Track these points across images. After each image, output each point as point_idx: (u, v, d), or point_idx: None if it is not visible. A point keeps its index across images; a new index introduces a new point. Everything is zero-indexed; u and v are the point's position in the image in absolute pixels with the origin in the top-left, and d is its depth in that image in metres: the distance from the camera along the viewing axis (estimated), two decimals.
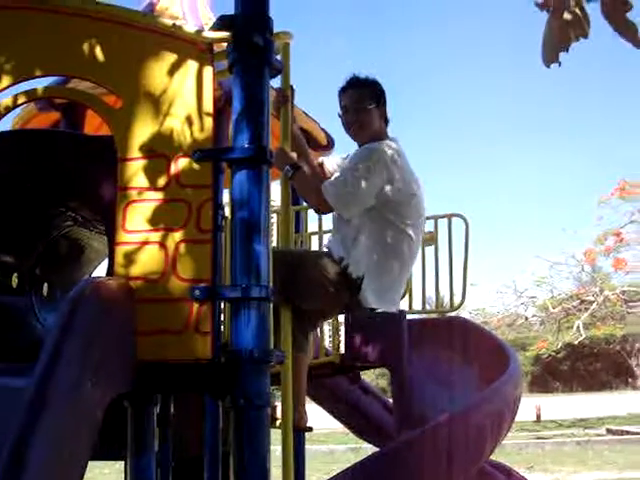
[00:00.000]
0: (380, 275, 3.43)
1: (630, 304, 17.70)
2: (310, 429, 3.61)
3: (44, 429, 1.82)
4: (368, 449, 3.91)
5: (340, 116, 3.64)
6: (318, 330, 3.98)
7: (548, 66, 1.79)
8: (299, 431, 3.56)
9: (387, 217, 3.43)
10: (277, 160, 2.97)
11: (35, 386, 1.88)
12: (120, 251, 2.39)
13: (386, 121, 3.65)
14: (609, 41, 1.82)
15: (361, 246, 3.42)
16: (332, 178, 3.49)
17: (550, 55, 1.79)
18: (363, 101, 3.56)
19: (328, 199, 3.38)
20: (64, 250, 3.78)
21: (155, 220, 2.38)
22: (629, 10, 1.75)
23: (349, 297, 3.42)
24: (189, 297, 2.31)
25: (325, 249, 3.78)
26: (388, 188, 3.39)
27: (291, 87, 3.05)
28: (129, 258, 2.37)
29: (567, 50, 1.77)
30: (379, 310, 3.48)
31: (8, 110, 2.59)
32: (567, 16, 1.71)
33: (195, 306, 2.31)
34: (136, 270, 2.37)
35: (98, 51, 2.48)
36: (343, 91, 3.62)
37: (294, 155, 3.33)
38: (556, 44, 1.74)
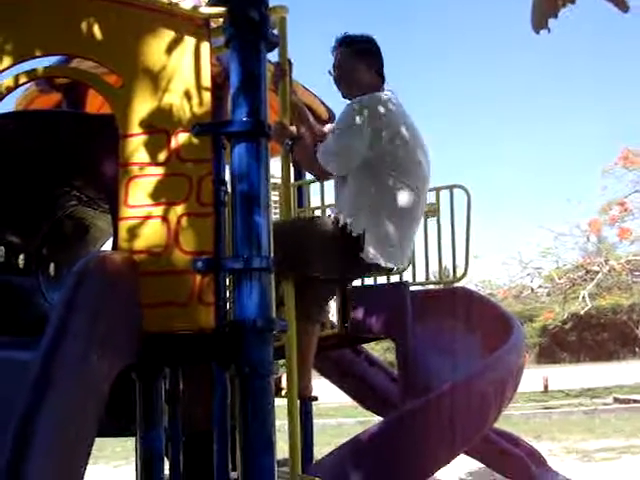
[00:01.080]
0: (380, 230, 3.38)
1: (636, 273, 17.71)
2: (315, 398, 3.66)
3: (50, 404, 1.85)
4: (377, 421, 3.96)
5: (330, 74, 3.65)
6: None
7: (538, 32, 1.82)
8: (304, 400, 3.60)
9: (386, 173, 3.39)
10: (276, 134, 2.99)
11: (41, 359, 1.91)
12: (123, 226, 2.44)
13: (381, 76, 3.63)
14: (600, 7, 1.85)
15: (359, 203, 3.39)
16: None
17: (539, 21, 1.81)
18: (350, 57, 3.57)
19: (320, 161, 3.40)
20: (69, 230, 3.83)
21: (157, 195, 2.43)
22: None
23: (353, 257, 3.38)
24: (192, 269, 2.35)
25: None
26: (384, 140, 3.35)
27: (289, 60, 3.06)
28: (132, 232, 2.42)
29: (556, 16, 1.79)
30: (383, 265, 3.42)
31: (10, 90, 2.62)
32: None
33: (198, 278, 2.36)
34: (139, 244, 2.41)
35: (96, 30, 2.50)
36: (333, 50, 3.63)
37: (293, 128, 3.34)
38: (544, 11, 1.77)
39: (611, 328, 31.55)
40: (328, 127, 3.84)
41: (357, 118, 3.32)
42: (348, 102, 3.48)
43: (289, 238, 3.16)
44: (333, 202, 3.90)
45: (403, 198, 3.43)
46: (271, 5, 2.56)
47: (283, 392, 3.13)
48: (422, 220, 3.94)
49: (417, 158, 3.47)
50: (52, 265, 3.75)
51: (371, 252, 3.35)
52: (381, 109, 3.36)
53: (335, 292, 3.89)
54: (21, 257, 3.64)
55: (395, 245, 3.44)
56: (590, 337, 32.65)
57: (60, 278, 3.68)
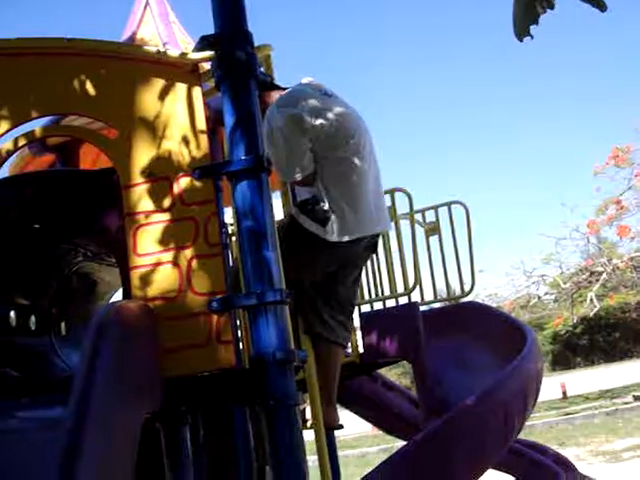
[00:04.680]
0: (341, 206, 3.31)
1: (639, 269, 17.71)
2: (341, 426, 3.64)
3: (85, 461, 1.87)
4: (400, 446, 3.93)
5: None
6: None
7: (521, 40, 1.86)
8: (329, 429, 3.58)
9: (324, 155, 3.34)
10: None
11: (72, 416, 1.93)
12: (135, 275, 2.47)
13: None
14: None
15: (315, 190, 3.34)
16: None
17: (521, 29, 1.86)
18: None
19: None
20: (77, 286, 3.85)
21: (165, 241, 2.46)
22: None
23: (316, 245, 3.31)
24: (207, 310, 2.37)
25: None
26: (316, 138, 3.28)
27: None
28: (145, 280, 2.44)
29: (537, 23, 1.84)
30: (347, 239, 3.34)
31: (10, 154, 2.67)
32: None
33: (214, 317, 2.39)
34: (153, 291, 2.44)
35: (88, 86, 2.56)
36: None
37: None
38: (525, 18, 1.81)
39: (622, 327, 31.44)
40: None
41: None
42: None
43: None
44: None
45: (345, 170, 3.38)
46: (256, 44, 2.61)
47: (308, 423, 3.12)
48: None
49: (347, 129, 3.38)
50: (63, 324, 3.77)
51: (335, 231, 3.28)
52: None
53: (327, 296, 3.74)
54: (32, 319, 3.66)
55: (355, 216, 3.37)
56: (602, 339, 32.55)
57: (72, 336, 3.70)
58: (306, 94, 3.36)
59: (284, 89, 3.45)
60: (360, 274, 3.85)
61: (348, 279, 3.69)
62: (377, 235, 3.65)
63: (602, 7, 1.78)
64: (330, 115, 3.35)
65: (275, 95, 3.41)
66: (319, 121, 3.28)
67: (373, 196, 3.49)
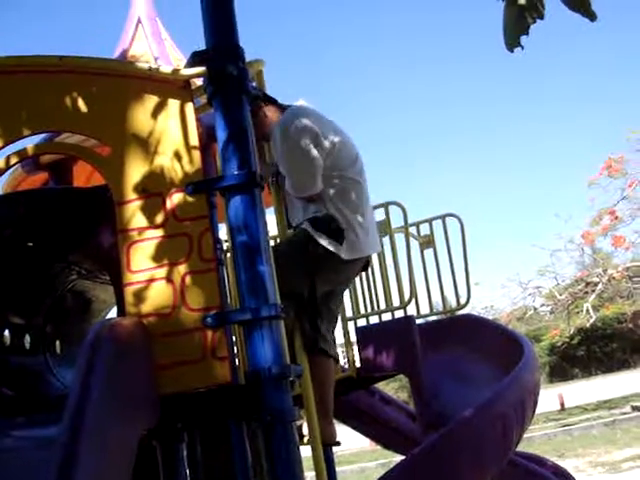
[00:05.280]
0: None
1: (635, 279, 17.72)
2: (338, 443, 3.63)
3: (81, 474, 1.86)
4: (398, 461, 3.91)
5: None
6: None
7: (511, 51, 1.87)
8: (327, 445, 3.57)
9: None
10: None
11: (65, 434, 1.92)
12: (129, 291, 2.46)
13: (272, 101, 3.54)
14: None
15: (322, 207, 3.40)
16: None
17: (512, 40, 1.87)
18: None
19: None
20: (71, 304, 3.83)
21: (158, 257, 2.45)
22: None
23: (340, 262, 3.37)
24: (202, 326, 2.36)
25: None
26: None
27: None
28: (138, 297, 2.43)
29: (527, 33, 1.85)
30: (357, 257, 3.42)
31: (2, 172, 2.67)
32: (522, 1, 1.79)
33: (209, 333, 2.37)
34: (147, 308, 2.43)
35: (80, 103, 2.55)
36: None
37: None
38: (516, 29, 1.82)
39: (618, 337, 31.41)
40: None
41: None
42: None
43: None
44: None
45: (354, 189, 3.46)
46: (248, 59, 2.61)
47: (305, 439, 3.10)
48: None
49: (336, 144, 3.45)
50: (57, 342, 3.75)
51: (346, 248, 3.34)
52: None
53: (324, 311, 3.73)
54: (27, 338, 3.64)
55: (364, 235, 3.45)
56: (599, 349, 32.47)
57: (67, 354, 3.68)
58: (315, 113, 3.43)
59: (280, 104, 3.48)
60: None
61: (340, 296, 3.74)
62: (370, 255, 3.73)
63: (592, 17, 1.79)
64: (338, 135, 3.44)
65: (273, 109, 3.45)
66: (331, 138, 3.38)
67: (370, 217, 3.59)
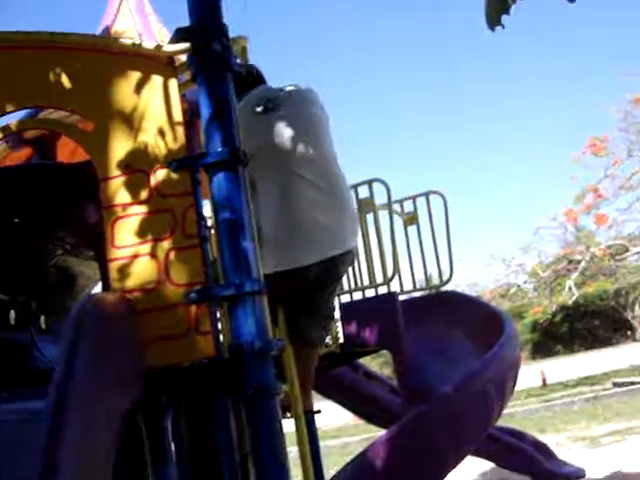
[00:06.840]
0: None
1: (617, 257, 17.89)
2: (318, 411, 3.67)
3: (66, 451, 1.88)
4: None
5: None
6: None
7: (492, 29, 1.89)
8: (307, 412, 3.60)
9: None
10: None
11: (51, 407, 1.94)
12: (113, 267, 2.47)
13: None
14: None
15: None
16: None
17: (493, 19, 1.89)
18: None
19: None
20: (56, 280, 3.84)
21: (143, 232, 2.47)
22: None
23: None
24: (186, 301, 2.39)
25: None
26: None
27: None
28: (123, 272, 2.45)
29: (508, 12, 1.87)
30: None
31: None
32: None
33: (193, 308, 2.40)
34: (131, 283, 2.45)
35: (63, 79, 2.55)
36: None
37: None
38: (496, 8, 1.84)
39: (601, 315, 31.77)
40: None
41: None
42: None
43: None
44: None
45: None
46: (232, 36, 2.61)
47: (288, 414, 3.14)
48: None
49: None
50: (42, 318, 3.76)
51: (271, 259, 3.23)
52: None
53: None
54: (11, 313, 3.65)
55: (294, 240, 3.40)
56: (581, 326, 32.82)
57: (52, 330, 3.70)
58: None
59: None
60: None
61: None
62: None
63: None
64: None
65: None
66: None
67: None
